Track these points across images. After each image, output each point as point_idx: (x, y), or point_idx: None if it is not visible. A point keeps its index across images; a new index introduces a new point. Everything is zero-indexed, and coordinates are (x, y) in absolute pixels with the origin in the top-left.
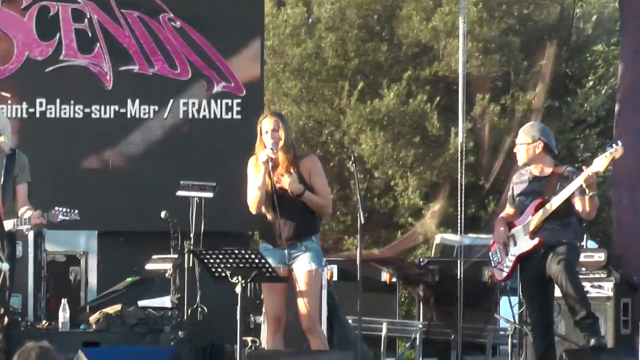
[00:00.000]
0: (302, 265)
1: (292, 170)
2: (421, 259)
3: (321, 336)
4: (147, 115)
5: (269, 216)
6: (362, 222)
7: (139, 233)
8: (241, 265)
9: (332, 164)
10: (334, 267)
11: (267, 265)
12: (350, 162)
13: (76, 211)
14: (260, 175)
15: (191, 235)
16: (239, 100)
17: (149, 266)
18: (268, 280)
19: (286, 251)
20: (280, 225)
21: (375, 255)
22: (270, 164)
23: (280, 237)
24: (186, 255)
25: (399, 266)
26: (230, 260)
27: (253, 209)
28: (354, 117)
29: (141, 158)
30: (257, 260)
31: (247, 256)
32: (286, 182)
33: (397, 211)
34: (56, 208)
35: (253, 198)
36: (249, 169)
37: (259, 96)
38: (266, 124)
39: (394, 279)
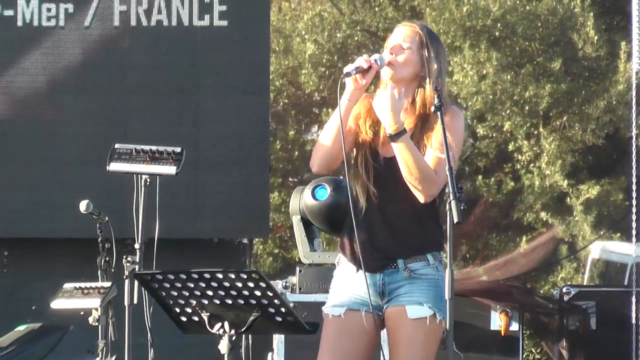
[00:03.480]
0: (412, 309)
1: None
2: (564, 289)
3: None
4: (52, 22)
5: (355, 202)
6: (456, 220)
7: (39, 242)
8: (228, 301)
9: None
10: None
11: (277, 301)
12: (432, 108)
13: None
14: (341, 104)
15: (137, 246)
16: None
17: (58, 303)
18: (284, 330)
19: (379, 278)
20: (370, 222)
21: (479, 283)
22: (356, 85)
23: (371, 253)
24: (127, 282)
25: (524, 302)
26: (209, 293)
27: (314, 162)
28: (434, 21)
29: (42, 101)
30: (258, 291)
31: (240, 283)
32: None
33: (519, 198)
34: None
35: (319, 142)
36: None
37: None
38: (394, 34)
39: (514, 326)
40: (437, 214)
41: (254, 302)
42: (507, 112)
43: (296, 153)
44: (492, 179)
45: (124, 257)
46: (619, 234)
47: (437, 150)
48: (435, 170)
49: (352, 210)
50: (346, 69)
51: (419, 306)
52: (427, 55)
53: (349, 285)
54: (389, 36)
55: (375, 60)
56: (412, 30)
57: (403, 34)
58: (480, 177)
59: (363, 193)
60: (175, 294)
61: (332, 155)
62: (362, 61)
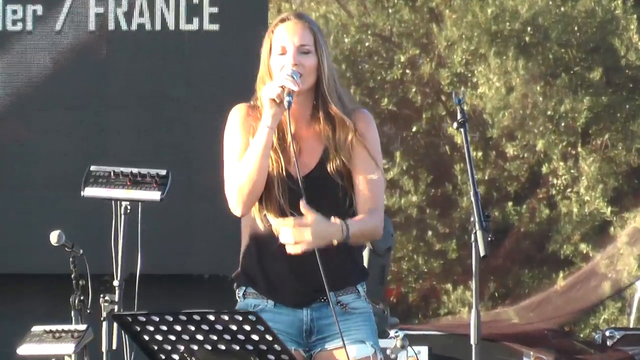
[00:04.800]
0: (354, 349)
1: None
2: (607, 332)
3: None
4: (19, 26)
5: (268, 229)
6: (483, 254)
7: (4, 278)
8: (222, 346)
9: (410, 129)
10: (422, 350)
11: (278, 347)
12: (454, 124)
13: None
14: (262, 131)
15: (116, 283)
16: None
17: (25, 349)
18: None
19: (306, 314)
20: (293, 256)
21: (510, 325)
22: (287, 110)
23: (296, 284)
24: (104, 324)
25: (561, 347)
26: (199, 337)
27: (238, 204)
28: (456, 25)
29: (7, 117)
30: (256, 335)
31: (234, 326)
32: (300, 234)
33: (555, 228)
34: None
35: (243, 180)
36: (234, 124)
37: None
38: (284, 33)
39: None
40: None
41: (250, 347)
42: (540, 129)
43: None
44: (524, 206)
45: (101, 295)
46: None
47: (366, 172)
48: (374, 202)
49: (259, 239)
50: (286, 99)
51: (360, 345)
52: (321, 55)
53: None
54: (284, 35)
55: (294, 77)
56: (305, 27)
57: (299, 34)
58: (510, 203)
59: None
60: (161, 338)
61: (259, 191)
62: (289, 83)
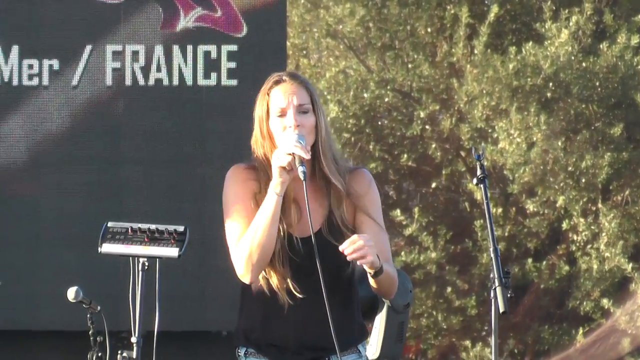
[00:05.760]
0: None
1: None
2: None
3: None
4: (35, 81)
5: (272, 291)
6: (502, 310)
7: (20, 335)
8: None
9: (430, 186)
10: None
11: None
12: (474, 180)
13: None
14: (271, 199)
15: (133, 340)
16: (235, 48)
17: None
18: None
19: None
20: (297, 318)
21: None
22: (289, 175)
23: (299, 347)
24: None
25: None
26: None
27: (247, 272)
28: (476, 80)
29: (22, 174)
30: None
31: None
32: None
33: (575, 284)
34: None
35: (252, 248)
36: (234, 188)
37: (279, 36)
38: (280, 95)
39: None
40: (357, 291)
41: None
42: (561, 185)
43: None
44: (544, 263)
45: (119, 352)
46: None
47: (376, 228)
48: (386, 256)
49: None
50: (300, 170)
51: None
52: (318, 114)
53: None
54: (285, 96)
55: (300, 142)
56: (301, 86)
57: (297, 94)
58: (529, 260)
59: (282, 287)
60: None
61: (268, 258)
62: (300, 151)
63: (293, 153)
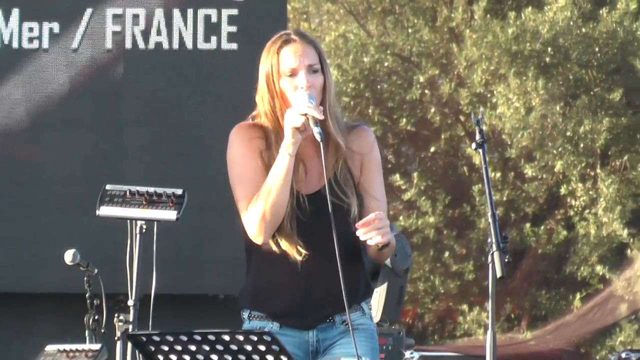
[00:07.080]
0: None
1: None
2: (623, 354)
3: None
4: (35, 44)
5: (281, 252)
6: (500, 275)
7: (18, 298)
8: None
9: (429, 150)
10: None
11: None
12: (473, 145)
13: None
14: (284, 159)
15: (130, 303)
16: (235, 12)
17: None
18: None
19: (312, 335)
20: (304, 276)
21: (525, 347)
22: (302, 135)
23: (305, 309)
24: (119, 344)
25: None
26: (214, 357)
27: (260, 233)
28: (476, 45)
29: (22, 137)
30: (271, 356)
31: (249, 346)
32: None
33: (573, 250)
34: None
35: (265, 209)
36: (240, 148)
37: (279, 0)
38: (291, 55)
39: None
40: (364, 249)
41: None
42: (559, 150)
43: None
44: (542, 228)
45: (116, 315)
46: None
47: (374, 190)
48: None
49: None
50: (316, 131)
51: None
52: (327, 73)
53: None
54: (291, 54)
55: (311, 102)
56: (310, 46)
57: (307, 54)
58: (527, 225)
59: (292, 245)
60: (175, 358)
61: (281, 218)
62: (314, 112)
63: (306, 114)
